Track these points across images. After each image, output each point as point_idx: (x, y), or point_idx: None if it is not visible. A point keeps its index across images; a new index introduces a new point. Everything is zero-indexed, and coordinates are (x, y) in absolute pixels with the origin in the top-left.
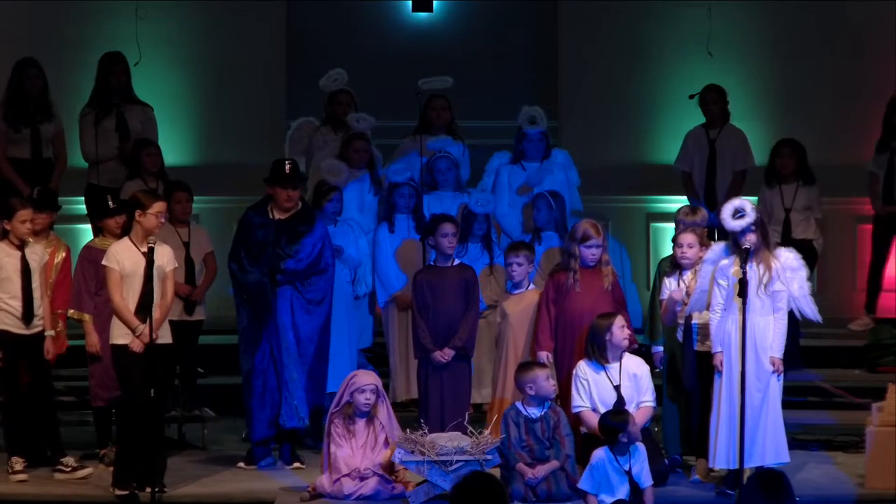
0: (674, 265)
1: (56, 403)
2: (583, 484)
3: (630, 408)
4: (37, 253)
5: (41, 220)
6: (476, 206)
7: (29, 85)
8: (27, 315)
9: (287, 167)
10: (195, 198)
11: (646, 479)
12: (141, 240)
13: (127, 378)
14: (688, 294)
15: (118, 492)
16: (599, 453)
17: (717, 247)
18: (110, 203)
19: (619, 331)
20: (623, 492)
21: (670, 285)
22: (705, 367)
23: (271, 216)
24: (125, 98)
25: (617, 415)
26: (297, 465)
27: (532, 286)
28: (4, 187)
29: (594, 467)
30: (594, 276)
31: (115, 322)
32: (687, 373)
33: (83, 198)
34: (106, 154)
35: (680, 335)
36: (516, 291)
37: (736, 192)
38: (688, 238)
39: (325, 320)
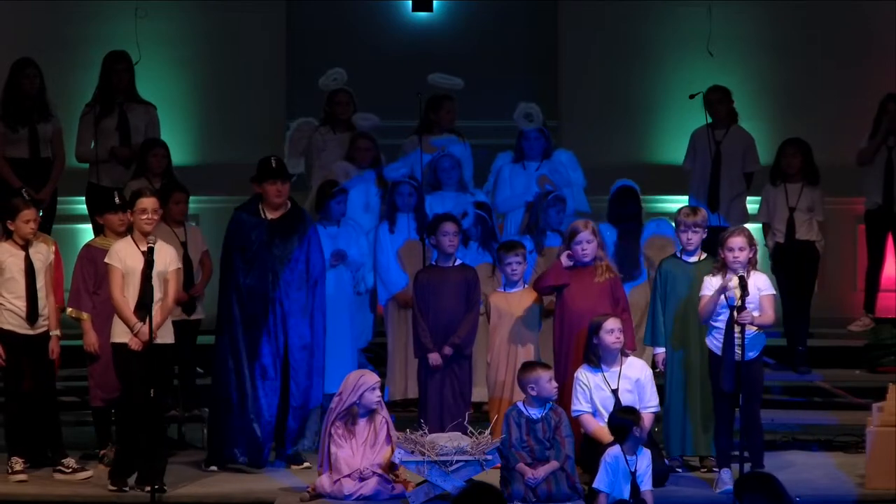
0: (720, 268)
1: (57, 404)
2: (598, 483)
3: None
4: (41, 252)
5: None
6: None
7: (27, 85)
8: (31, 315)
9: (273, 162)
10: (195, 198)
11: (647, 482)
12: (141, 238)
13: (126, 377)
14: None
15: (110, 487)
16: (614, 451)
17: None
18: (117, 199)
19: (608, 335)
20: (626, 492)
21: (714, 284)
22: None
23: (263, 216)
24: (128, 97)
25: (624, 412)
26: (306, 465)
27: (527, 285)
28: (5, 188)
29: (610, 465)
30: (588, 276)
31: (117, 320)
32: (727, 378)
33: (83, 198)
34: (104, 154)
35: (715, 342)
36: (510, 290)
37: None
38: (738, 241)
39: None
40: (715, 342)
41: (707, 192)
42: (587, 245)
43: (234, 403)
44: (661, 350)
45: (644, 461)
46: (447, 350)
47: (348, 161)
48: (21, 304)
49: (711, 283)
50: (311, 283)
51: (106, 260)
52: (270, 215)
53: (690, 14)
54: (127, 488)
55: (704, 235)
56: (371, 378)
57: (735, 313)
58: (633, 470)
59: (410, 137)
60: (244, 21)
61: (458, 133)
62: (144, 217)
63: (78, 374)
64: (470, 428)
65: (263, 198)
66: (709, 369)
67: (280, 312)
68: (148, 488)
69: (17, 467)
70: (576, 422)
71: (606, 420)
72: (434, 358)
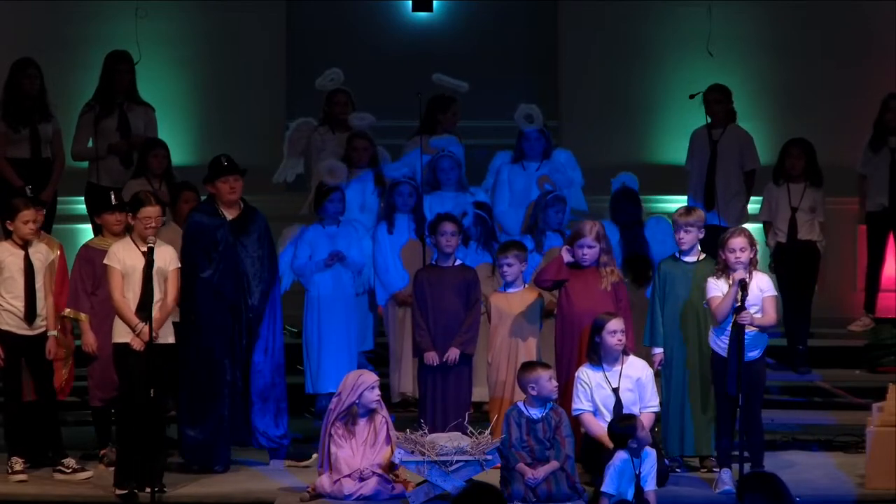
0: (722, 270)
1: (57, 404)
2: (607, 487)
3: (631, 411)
4: (41, 252)
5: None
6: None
7: (27, 85)
8: (30, 315)
9: (224, 160)
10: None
11: (651, 482)
12: (140, 239)
13: (127, 377)
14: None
15: (118, 491)
16: (623, 455)
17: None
18: (113, 199)
19: (610, 336)
20: (630, 493)
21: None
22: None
23: (223, 216)
24: (128, 98)
25: (624, 420)
26: (304, 463)
27: (526, 285)
28: (6, 188)
29: (619, 469)
30: (592, 277)
31: (118, 320)
32: (731, 380)
33: (83, 198)
34: (103, 152)
35: (720, 343)
36: (510, 290)
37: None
38: (739, 242)
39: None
40: (720, 344)
41: (703, 191)
42: (588, 250)
43: (197, 402)
44: (659, 350)
45: (649, 462)
46: (453, 353)
47: (346, 161)
48: (19, 304)
49: (717, 285)
50: (273, 281)
51: (105, 261)
52: (229, 215)
53: (690, 14)
54: (136, 490)
55: (701, 235)
56: (370, 377)
57: (735, 315)
58: (637, 472)
59: (413, 138)
60: (244, 21)
61: (457, 134)
62: (148, 224)
63: (77, 374)
64: (470, 428)
65: (218, 197)
66: (711, 371)
67: (247, 311)
68: (148, 489)
69: (17, 467)
70: (576, 421)
71: (607, 426)
72: (430, 357)
